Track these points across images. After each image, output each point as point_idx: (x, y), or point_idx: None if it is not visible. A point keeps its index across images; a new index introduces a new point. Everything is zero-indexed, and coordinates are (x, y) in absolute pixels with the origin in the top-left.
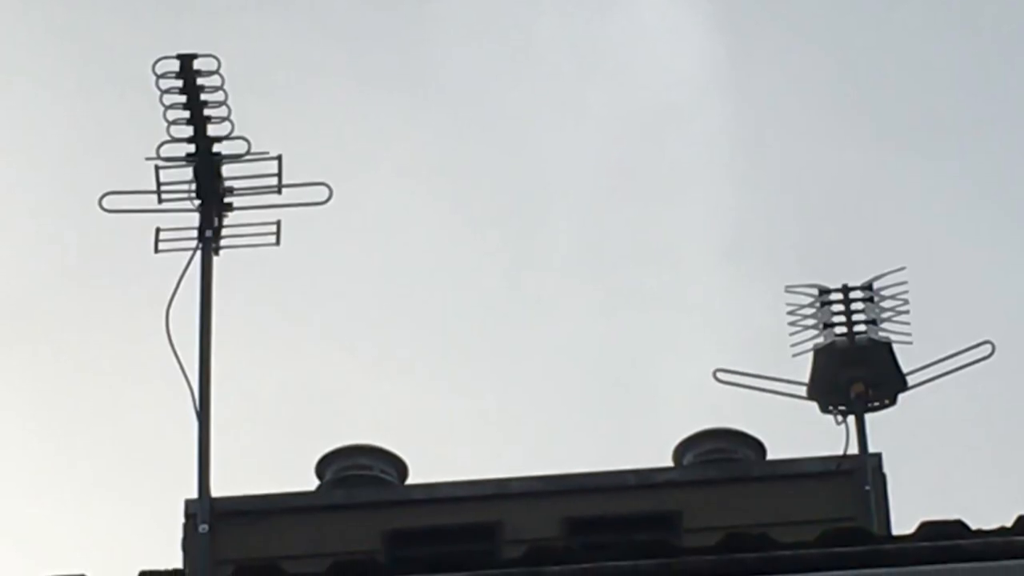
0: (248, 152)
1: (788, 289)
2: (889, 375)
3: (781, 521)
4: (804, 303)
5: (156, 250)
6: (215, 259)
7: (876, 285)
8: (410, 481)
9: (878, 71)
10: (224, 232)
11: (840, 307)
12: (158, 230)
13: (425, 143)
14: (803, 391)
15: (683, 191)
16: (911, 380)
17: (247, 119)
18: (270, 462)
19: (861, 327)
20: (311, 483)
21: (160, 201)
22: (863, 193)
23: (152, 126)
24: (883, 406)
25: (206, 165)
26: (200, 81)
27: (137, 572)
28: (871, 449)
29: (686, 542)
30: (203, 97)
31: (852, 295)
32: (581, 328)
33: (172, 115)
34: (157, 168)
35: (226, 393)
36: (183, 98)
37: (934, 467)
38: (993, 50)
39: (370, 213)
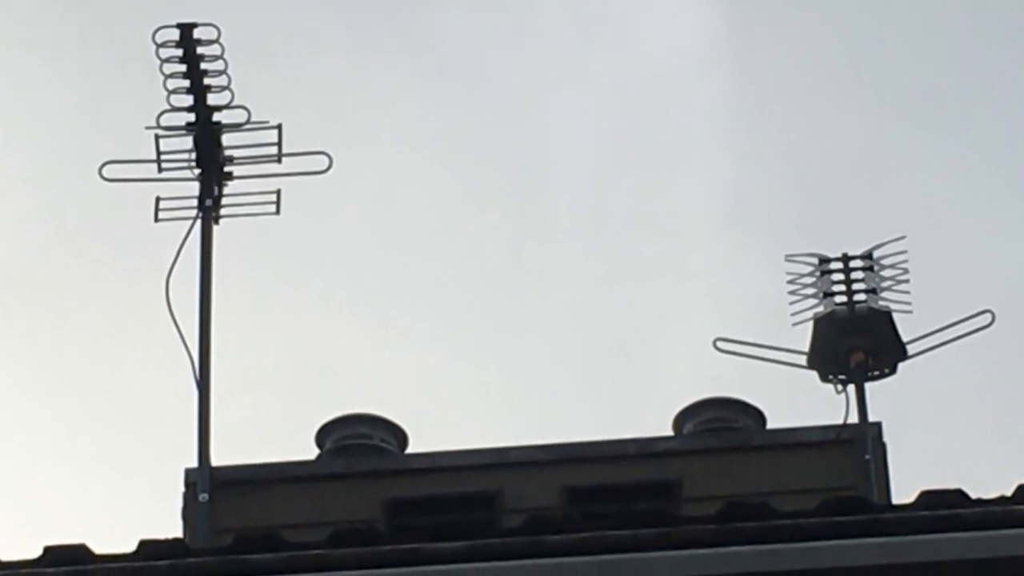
0: (248, 121)
1: (788, 258)
2: (889, 344)
3: (781, 490)
4: (804, 272)
5: (156, 219)
6: (215, 228)
7: (876, 254)
8: (410, 450)
9: (878, 41)
10: (224, 201)
11: (840, 276)
12: (158, 199)
13: (426, 113)
14: (803, 360)
15: (684, 161)
16: (911, 349)
17: (247, 88)
18: (270, 431)
19: (861, 296)
20: (311, 452)
21: (160, 170)
22: (863, 162)
23: (152, 95)
24: (883, 375)
25: (206, 134)
26: (200, 50)
27: (137, 541)
28: (871, 418)
29: (686, 511)
30: (203, 66)
31: (852, 264)
32: (582, 297)
33: (172, 84)
34: (157, 137)
35: (226, 362)
36: (183, 67)
37: (934, 436)
38: (994, 21)
39: (370, 182)
